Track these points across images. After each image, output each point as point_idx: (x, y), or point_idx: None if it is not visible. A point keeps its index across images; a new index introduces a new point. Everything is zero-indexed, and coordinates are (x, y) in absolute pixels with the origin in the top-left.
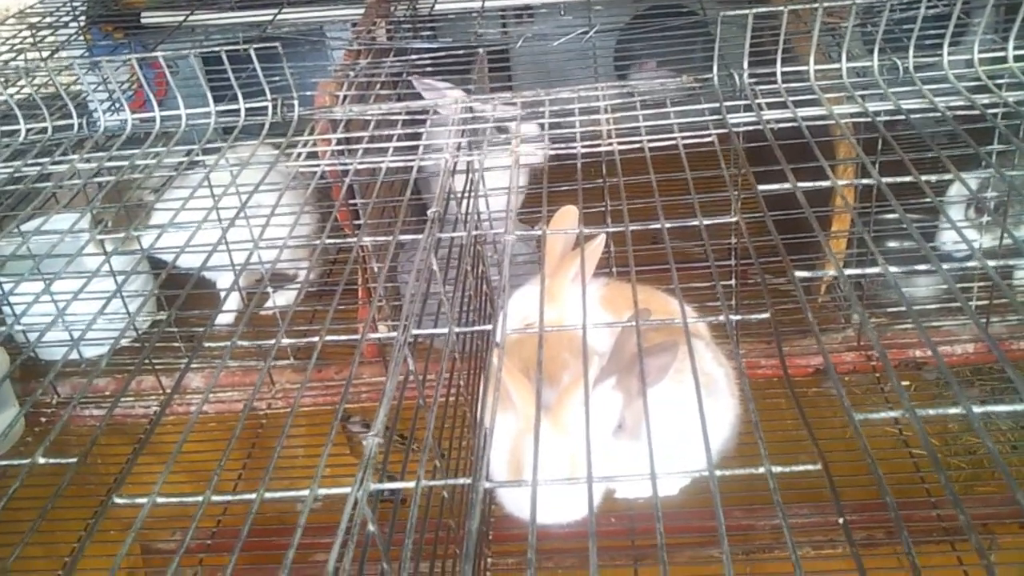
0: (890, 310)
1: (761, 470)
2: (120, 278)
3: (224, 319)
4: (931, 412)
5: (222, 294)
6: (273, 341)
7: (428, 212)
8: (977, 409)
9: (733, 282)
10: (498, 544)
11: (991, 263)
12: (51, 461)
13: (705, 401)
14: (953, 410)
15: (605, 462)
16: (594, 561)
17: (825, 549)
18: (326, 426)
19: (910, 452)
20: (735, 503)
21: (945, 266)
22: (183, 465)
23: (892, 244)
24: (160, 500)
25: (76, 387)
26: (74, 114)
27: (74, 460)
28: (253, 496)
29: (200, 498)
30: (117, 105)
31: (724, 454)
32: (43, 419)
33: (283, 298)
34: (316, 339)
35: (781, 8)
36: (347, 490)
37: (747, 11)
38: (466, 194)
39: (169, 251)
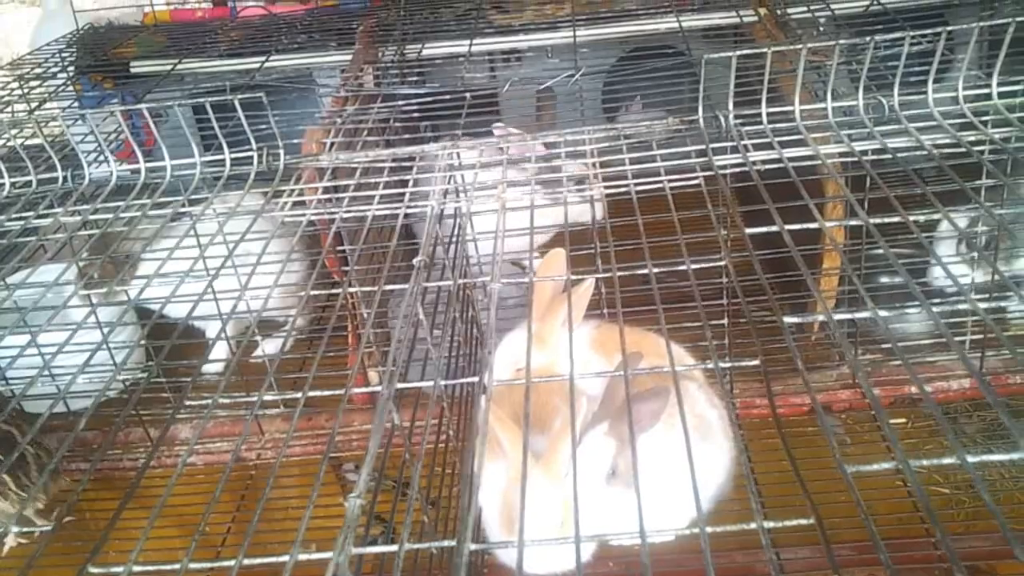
0: (884, 346)
1: (753, 526)
2: (106, 329)
3: (213, 368)
4: (925, 463)
5: (210, 342)
6: (261, 391)
7: (414, 260)
8: (972, 459)
9: (725, 321)
10: None
11: (982, 300)
12: (24, 530)
13: (699, 445)
14: (947, 460)
15: (599, 510)
16: None
17: None
18: (315, 475)
19: (908, 491)
20: (734, 545)
21: (937, 302)
22: (173, 519)
23: (884, 279)
24: (136, 569)
25: (69, 444)
26: (58, 166)
27: (49, 528)
28: (232, 563)
29: (178, 566)
30: (102, 157)
31: (720, 498)
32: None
33: (272, 345)
34: (300, 395)
35: (765, 49)
36: (329, 555)
37: (731, 53)
38: (453, 239)
39: (156, 301)
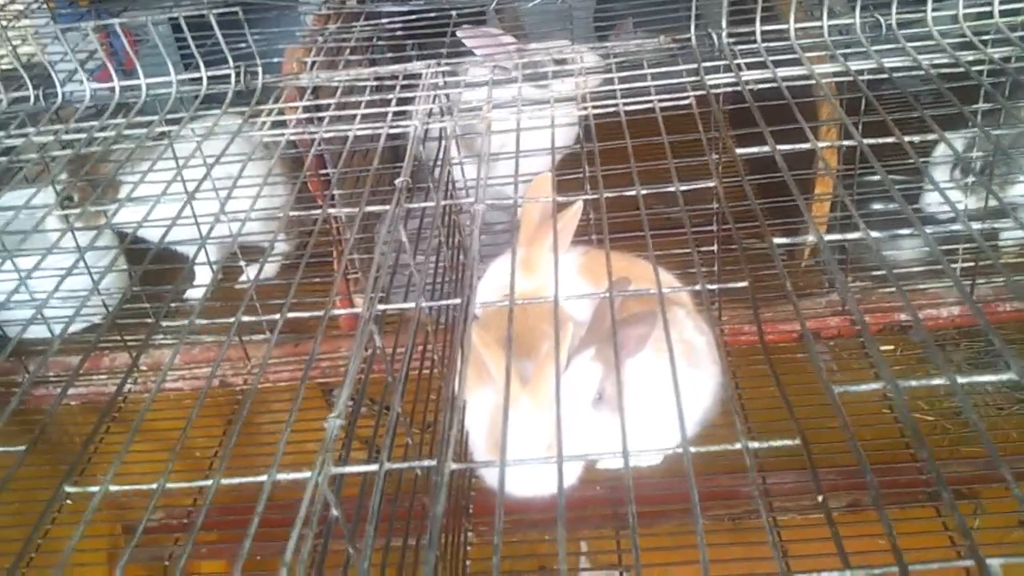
0: (875, 273)
1: (738, 446)
2: (84, 249)
3: (197, 293)
4: (913, 383)
5: (196, 269)
6: (240, 312)
7: (396, 182)
8: (961, 379)
9: (715, 247)
10: (480, 517)
11: (976, 225)
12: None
13: (686, 370)
14: (936, 380)
15: (586, 434)
16: (562, 540)
17: (812, 514)
18: (308, 400)
19: (895, 417)
20: (721, 469)
21: (929, 229)
22: (163, 443)
23: (877, 206)
24: (114, 487)
25: (49, 364)
26: (30, 85)
27: (22, 448)
28: (210, 483)
29: (155, 485)
30: (78, 76)
31: (707, 422)
32: (12, 398)
33: (255, 271)
34: (278, 316)
35: None
36: (307, 475)
37: None
38: (438, 162)
39: (132, 225)
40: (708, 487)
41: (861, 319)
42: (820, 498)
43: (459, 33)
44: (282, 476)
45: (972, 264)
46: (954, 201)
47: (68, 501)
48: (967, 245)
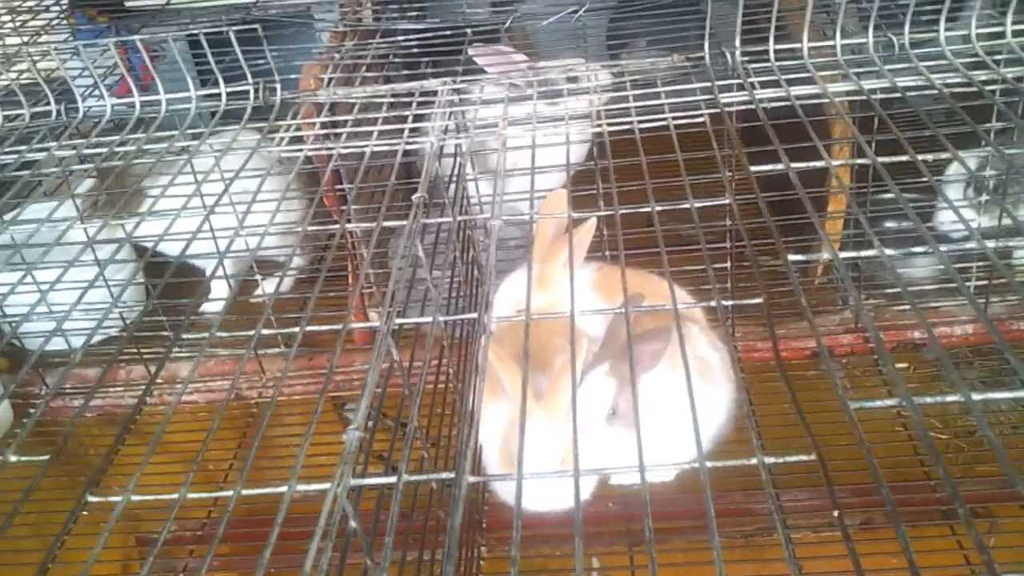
0: (888, 291)
1: (754, 461)
2: (104, 265)
3: (213, 307)
4: (928, 400)
5: (211, 282)
6: (258, 326)
7: (413, 197)
8: (976, 396)
9: (728, 264)
10: (492, 532)
11: (990, 244)
12: (23, 459)
13: (700, 386)
14: (951, 397)
15: (599, 450)
16: (579, 555)
17: (824, 532)
18: (321, 414)
19: (909, 435)
20: (734, 487)
21: (943, 247)
22: (177, 455)
23: (890, 224)
24: (135, 498)
25: (66, 377)
26: (52, 100)
27: (46, 458)
28: (230, 493)
29: (176, 495)
30: (98, 92)
31: (720, 439)
32: (31, 410)
33: (272, 285)
34: (298, 329)
35: None
36: (326, 486)
37: None
38: (454, 178)
39: (152, 239)
40: (721, 504)
41: (877, 337)
42: (836, 513)
43: (470, 51)
44: (302, 487)
45: (986, 282)
46: (967, 219)
47: (85, 512)
48: (980, 263)
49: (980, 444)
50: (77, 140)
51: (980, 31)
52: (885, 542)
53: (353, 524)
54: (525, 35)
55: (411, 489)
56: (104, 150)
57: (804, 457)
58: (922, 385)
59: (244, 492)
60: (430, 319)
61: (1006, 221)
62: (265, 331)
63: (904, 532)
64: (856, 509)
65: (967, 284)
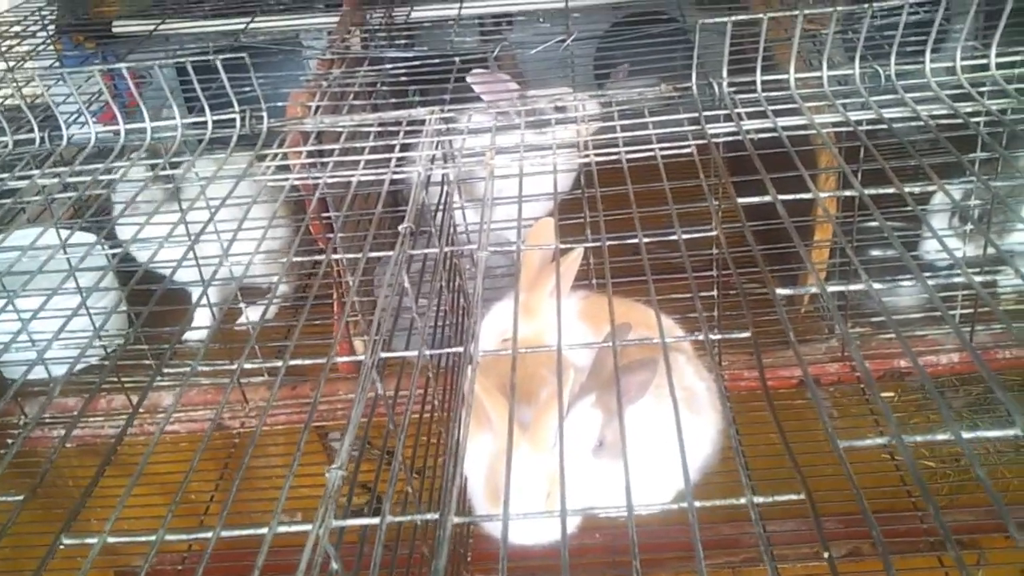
0: (874, 319)
1: (742, 501)
2: (86, 293)
3: (197, 336)
4: (918, 439)
5: (196, 309)
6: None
7: (399, 228)
8: (966, 435)
9: (716, 293)
10: (478, 563)
11: (975, 273)
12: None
13: (687, 417)
14: (941, 436)
15: (586, 482)
16: None
17: (812, 563)
18: (306, 444)
19: (896, 465)
20: (722, 519)
21: (928, 275)
22: (157, 487)
23: (876, 252)
24: (111, 540)
25: (46, 408)
26: (36, 127)
27: (20, 498)
28: (209, 535)
29: (153, 538)
30: (83, 118)
31: (708, 469)
32: (9, 440)
33: (256, 313)
34: (281, 364)
35: (761, 15)
36: (308, 527)
37: (726, 19)
38: (440, 207)
39: (136, 266)
40: (709, 535)
41: (866, 370)
42: (827, 555)
43: (468, 78)
44: (283, 529)
45: (971, 311)
46: (953, 248)
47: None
48: (966, 292)
49: (967, 471)
50: (61, 168)
51: (964, 63)
52: (873, 573)
53: (335, 566)
54: (513, 64)
55: (395, 524)
56: (88, 178)
57: (793, 496)
58: (908, 414)
59: (223, 534)
60: (415, 352)
61: (991, 250)
62: (248, 365)
63: (892, 564)
64: (842, 540)
65: (953, 313)
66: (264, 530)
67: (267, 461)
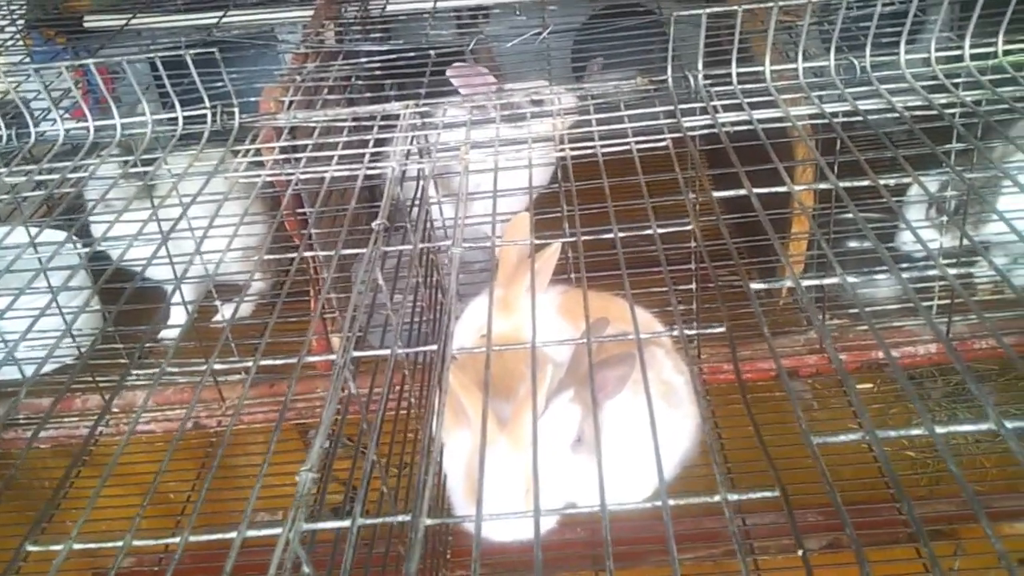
0: (852, 311)
1: (717, 498)
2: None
3: (171, 333)
4: (893, 434)
5: (171, 308)
6: (212, 357)
7: (373, 224)
8: (940, 429)
9: (693, 287)
10: (458, 559)
11: (950, 265)
12: None
13: (665, 411)
14: (916, 431)
15: (565, 477)
16: None
17: (792, 555)
18: (284, 441)
19: (874, 456)
20: (700, 512)
21: (906, 266)
22: (134, 487)
23: (853, 244)
24: (77, 547)
25: (19, 407)
26: (2, 125)
27: None
28: (178, 540)
29: (120, 543)
30: (51, 115)
31: (687, 463)
32: None
33: (231, 310)
34: (251, 362)
35: (736, 7)
36: (278, 531)
37: (702, 11)
38: (416, 202)
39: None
40: (689, 529)
41: (839, 363)
42: (801, 552)
43: (449, 72)
44: (252, 533)
45: (948, 302)
46: (929, 240)
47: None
48: (943, 283)
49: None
50: (29, 166)
51: (939, 54)
52: (851, 565)
53: (307, 569)
54: (490, 57)
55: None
56: (56, 176)
57: (768, 493)
58: (887, 405)
59: (192, 539)
60: (387, 352)
61: (966, 241)
62: (219, 365)
63: (868, 557)
64: (823, 532)
65: (930, 304)
66: (233, 535)
67: (247, 460)
